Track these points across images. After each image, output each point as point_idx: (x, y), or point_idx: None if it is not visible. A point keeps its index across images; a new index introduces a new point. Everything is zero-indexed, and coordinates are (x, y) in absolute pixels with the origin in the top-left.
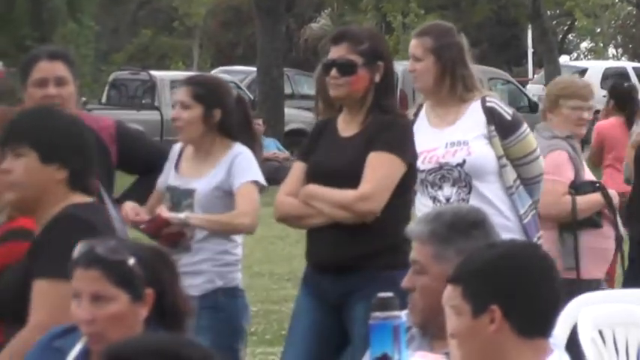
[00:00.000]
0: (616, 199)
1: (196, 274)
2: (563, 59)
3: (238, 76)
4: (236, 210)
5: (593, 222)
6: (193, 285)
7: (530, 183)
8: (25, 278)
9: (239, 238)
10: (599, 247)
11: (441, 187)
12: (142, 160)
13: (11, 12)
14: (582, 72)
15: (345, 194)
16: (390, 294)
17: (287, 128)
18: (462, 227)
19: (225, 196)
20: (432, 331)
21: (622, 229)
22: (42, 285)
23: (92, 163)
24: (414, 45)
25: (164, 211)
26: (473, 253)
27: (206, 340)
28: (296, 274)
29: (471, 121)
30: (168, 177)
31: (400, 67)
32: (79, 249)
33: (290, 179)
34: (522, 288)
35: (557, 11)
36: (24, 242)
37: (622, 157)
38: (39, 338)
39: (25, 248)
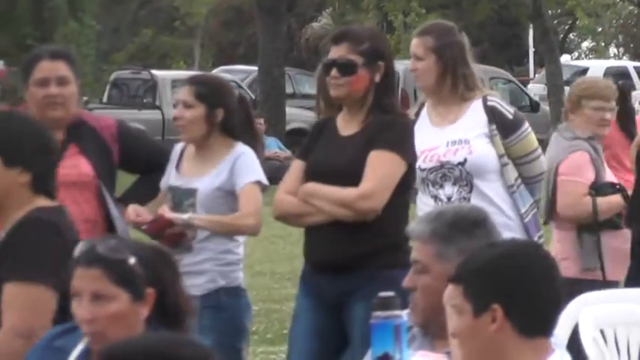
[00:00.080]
0: None
1: (199, 274)
2: (565, 59)
3: (239, 75)
4: (240, 211)
5: (613, 223)
6: (196, 285)
7: (531, 182)
8: None
9: (241, 238)
10: (620, 248)
11: (442, 186)
12: (144, 159)
13: (12, 11)
14: (583, 71)
15: (347, 192)
16: (391, 293)
17: (288, 127)
18: (464, 226)
19: (228, 195)
20: (433, 330)
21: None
22: (11, 289)
23: (55, 166)
24: (416, 44)
25: (167, 212)
26: (474, 252)
27: (209, 340)
28: (297, 273)
29: (472, 120)
30: (170, 177)
31: (401, 66)
32: (79, 248)
33: (289, 177)
34: (523, 287)
35: (559, 10)
36: None
37: (618, 155)
38: (13, 342)
39: None
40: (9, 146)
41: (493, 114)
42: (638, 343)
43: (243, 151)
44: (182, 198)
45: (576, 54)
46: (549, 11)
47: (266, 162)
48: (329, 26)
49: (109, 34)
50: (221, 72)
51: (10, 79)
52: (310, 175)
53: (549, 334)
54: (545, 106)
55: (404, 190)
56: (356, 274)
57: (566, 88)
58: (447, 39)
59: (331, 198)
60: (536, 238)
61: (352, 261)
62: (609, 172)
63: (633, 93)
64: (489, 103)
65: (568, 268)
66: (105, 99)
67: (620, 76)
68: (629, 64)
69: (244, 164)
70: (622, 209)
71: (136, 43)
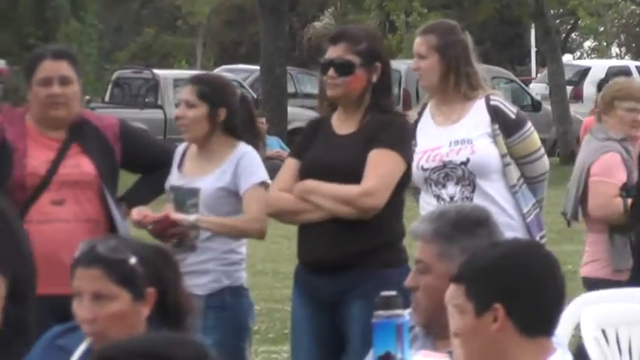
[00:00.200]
0: None
1: (202, 274)
2: (567, 58)
3: (241, 74)
4: (246, 215)
5: None
6: (199, 284)
7: (534, 182)
8: None
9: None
10: None
11: (444, 186)
12: (146, 158)
13: (14, 10)
14: (585, 71)
15: (349, 189)
16: (393, 292)
17: (290, 127)
18: (466, 226)
19: (231, 196)
20: (435, 330)
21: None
22: None
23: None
24: (419, 43)
25: (173, 213)
26: (476, 252)
27: (212, 339)
28: None
29: (475, 119)
30: (172, 177)
31: (403, 65)
32: (80, 248)
33: (282, 175)
34: (525, 287)
35: (561, 10)
36: None
37: None
38: None
39: None
40: None
41: (496, 113)
42: None
43: (245, 151)
44: (185, 198)
45: (578, 53)
46: (551, 11)
47: (268, 161)
48: (331, 26)
49: (111, 33)
50: (223, 71)
51: (12, 78)
52: (306, 173)
53: (551, 334)
54: (547, 106)
55: (400, 189)
56: (352, 273)
57: (568, 88)
58: (450, 38)
59: (333, 195)
60: (538, 238)
61: (349, 260)
62: None
63: None
64: (492, 102)
65: (599, 270)
66: (107, 98)
67: (622, 75)
68: (631, 64)
69: (247, 165)
70: None
71: (138, 43)
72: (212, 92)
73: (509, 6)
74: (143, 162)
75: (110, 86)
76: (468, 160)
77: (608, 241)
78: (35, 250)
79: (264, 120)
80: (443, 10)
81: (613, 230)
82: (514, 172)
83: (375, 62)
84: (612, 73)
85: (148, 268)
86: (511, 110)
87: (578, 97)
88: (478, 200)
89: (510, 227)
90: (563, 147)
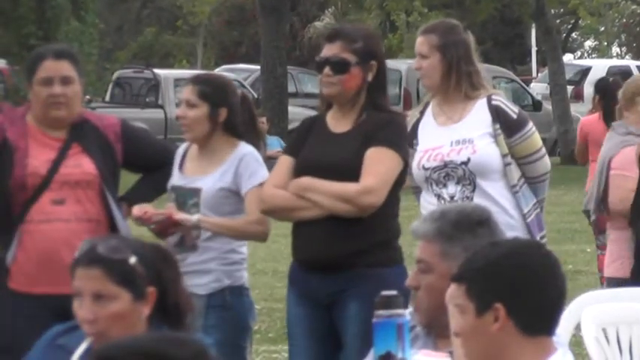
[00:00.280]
0: None
1: (204, 273)
2: (567, 58)
3: (242, 74)
4: (249, 217)
5: None
6: (201, 284)
7: (535, 182)
8: None
9: None
10: None
11: (445, 185)
12: (147, 158)
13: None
14: (586, 70)
15: (347, 187)
16: (394, 292)
17: (291, 126)
18: (468, 225)
19: (232, 196)
20: (436, 330)
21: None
22: None
23: None
24: (420, 42)
25: (176, 213)
26: (476, 251)
27: (213, 339)
28: None
29: (477, 119)
30: (173, 177)
31: (404, 65)
32: (80, 247)
33: (276, 173)
34: (526, 286)
35: (561, 10)
36: None
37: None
38: None
39: None
40: None
41: (497, 113)
42: None
43: (247, 151)
44: (186, 197)
45: (579, 53)
46: (552, 10)
47: (268, 161)
48: (331, 25)
49: (112, 33)
50: (224, 71)
51: (12, 78)
52: (301, 170)
53: (552, 333)
54: (547, 105)
55: (397, 188)
56: (348, 273)
57: (569, 88)
58: (451, 37)
59: (331, 192)
60: (538, 238)
61: (345, 258)
62: None
63: None
64: (494, 102)
65: (620, 269)
66: (108, 98)
67: (622, 75)
68: (631, 64)
69: (249, 165)
70: None
71: (138, 42)
72: (213, 92)
73: (509, 6)
74: (144, 162)
75: (111, 86)
76: (469, 159)
77: (630, 238)
78: (36, 250)
79: (264, 120)
80: (443, 10)
81: (636, 228)
82: (515, 172)
83: (370, 61)
84: (613, 72)
85: (148, 267)
86: (512, 110)
87: (578, 96)
88: (478, 200)
89: (511, 227)
90: (564, 147)
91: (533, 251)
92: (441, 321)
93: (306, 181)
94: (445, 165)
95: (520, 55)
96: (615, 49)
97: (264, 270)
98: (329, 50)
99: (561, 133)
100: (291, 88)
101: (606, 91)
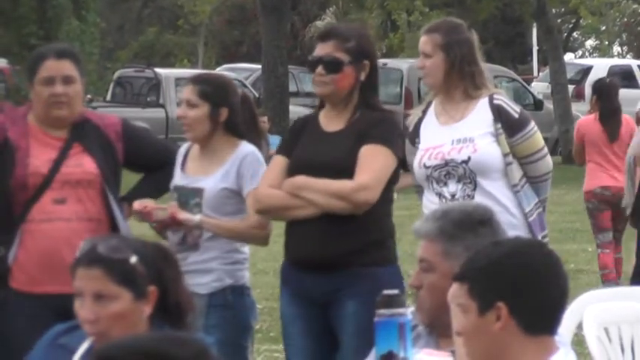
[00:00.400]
0: None
1: (205, 273)
2: (568, 57)
3: (243, 73)
4: (252, 219)
5: None
6: (202, 283)
7: (537, 181)
8: None
9: None
10: None
11: (446, 184)
12: (148, 157)
13: (16, 10)
14: (587, 70)
15: (342, 184)
16: (395, 291)
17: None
18: (470, 224)
19: (234, 196)
20: (438, 329)
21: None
22: None
23: None
24: (424, 41)
25: (178, 212)
26: (478, 250)
27: (215, 338)
28: None
29: (478, 118)
30: (175, 177)
31: (405, 64)
32: (81, 247)
33: (270, 172)
34: (528, 285)
35: (562, 9)
36: None
37: (603, 152)
38: None
39: None
40: None
41: (499, 113)
42: None
43: (248, 151)
44: (188, 197)
45: (580, 52)
46: (553, 10)
47: (270, 160)
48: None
49: (113, 33)
50: (225, 70)
51: (13, 77)
52: (295, 170)
53: (554, 332)
54: (548, 105)
55: (390, 186)
56: (343, 272)
57: (570, 87)
58: (455, 36)
59: (326, 190)
60: (540, 237)
61: (340, 258)
62: None
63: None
64: (495, 101)
65: None
66: (109, 97)
67: (623, 74)
68: (632, 63)
69: (251, 166)
70: None
71: (140, 42)
72: (213, 92)
73: (511, 5)
74: (145, 161)
75: (112, 85)
76: (469, 158)
77: None
78: (37, 249)
79: (266, 119)
80: (445, 9)
81: None
82: (516, 172)
83: (363, 60)
84: (614, 72)
85: (148, 266)
86: (514, 110)
87: (579, 95)
88: (479, 199)
89: (512, 226)
90: (565, 146)
91: (535, 250)
92: (443, 320)
93: (300, 179)
94: (446, 163)
95: (521, 55)
96: (616, 49)
97: (265, 270)
98: (322, 49)
99: (562, 133)
100: (292, 88)
101: (602, 91)
